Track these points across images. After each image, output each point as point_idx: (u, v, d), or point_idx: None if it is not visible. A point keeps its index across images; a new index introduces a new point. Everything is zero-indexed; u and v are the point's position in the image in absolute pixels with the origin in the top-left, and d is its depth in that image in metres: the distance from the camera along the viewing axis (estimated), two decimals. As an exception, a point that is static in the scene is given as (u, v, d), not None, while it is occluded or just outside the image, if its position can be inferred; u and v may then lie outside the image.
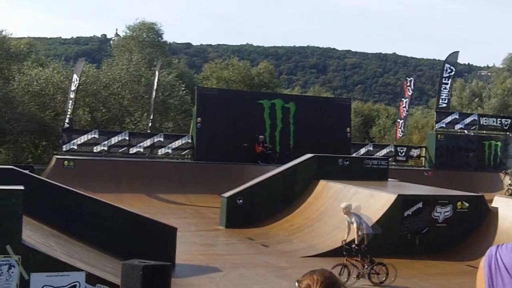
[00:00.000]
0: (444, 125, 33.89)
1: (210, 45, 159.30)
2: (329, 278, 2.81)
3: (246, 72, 49.00)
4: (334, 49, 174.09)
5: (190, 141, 29.41)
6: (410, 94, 34.69)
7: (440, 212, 17.99)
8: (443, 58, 34.87)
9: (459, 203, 18.36)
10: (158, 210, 21.59)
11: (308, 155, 22.77)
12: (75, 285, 9.93)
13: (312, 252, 16.74)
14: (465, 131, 34.47)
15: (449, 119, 34.05)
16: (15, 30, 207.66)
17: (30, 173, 15.60)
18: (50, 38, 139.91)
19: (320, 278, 2.79)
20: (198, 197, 25.05)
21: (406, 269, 15.59)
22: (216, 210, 21.52)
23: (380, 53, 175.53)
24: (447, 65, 33.91)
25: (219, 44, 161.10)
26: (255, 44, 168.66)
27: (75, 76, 29.35)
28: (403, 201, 17.77)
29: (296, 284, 2.87)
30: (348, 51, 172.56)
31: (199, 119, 28.58)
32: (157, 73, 31.69)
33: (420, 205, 17.85)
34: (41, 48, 59.85)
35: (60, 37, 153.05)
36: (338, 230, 17.73)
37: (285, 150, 29.18)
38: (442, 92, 33.95)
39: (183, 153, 29.77)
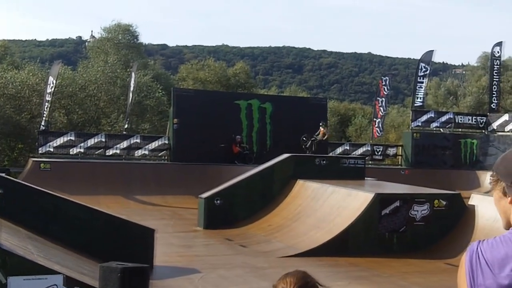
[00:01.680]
0: (420, 124, 34.15)
1: (186, 46, 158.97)
2: (302, 278, 2.82)
3: (222, 72, 48.96)
4: (309, 49, 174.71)
5: (167, 142, 29.33)
6: (386, 93, 34.89)
7: (418, 211, 18.13)
8: (418, 57, 35.23)
9: (436, 201, 18.50)
10: (135, 211, 21.51)
11: (285, 155, 22.82)
12: (53, 288, 9.86)
13: (290, 252, 16.77)
14: (441, 130, 34.75)
15: (425, 117, 34.32)
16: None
17: (6, 176, 15.43)
18: (25, 41, 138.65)
19: (293, 279, 2.80)
20: (175, 198, 24.98)
21: (384, 268, 15.70)
22: (194, 211, 21.49)
23: (355, 53, 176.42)
24: (422, 64, 34.18)
25: (195, 45, 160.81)
26: (231, 45, 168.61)
27: (51, 78, 29.13)
28: (380, 200, 17.87)
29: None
30: (324, 51, 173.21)
31: (175, 120, 28.51)
32: (133, 74, 31.56)
33: (397, 203, 17.97)
34: (16, 50, 59.27)
35: (35, 39, 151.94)
36: (316, 229, 17.82)
37: (262, 150, 29.22)
38: (417, 91, 34.22)
39: (160, 154, 29.68)
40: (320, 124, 27.97)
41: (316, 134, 27.65)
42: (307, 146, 27.43)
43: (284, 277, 2.83)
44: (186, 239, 18.93)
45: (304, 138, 27.79)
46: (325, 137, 27.92)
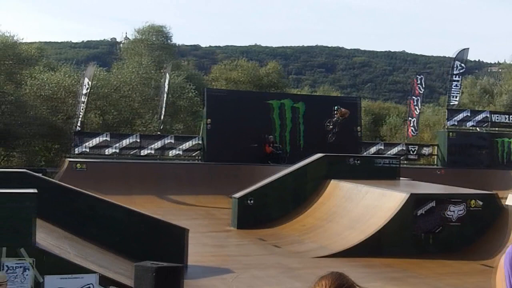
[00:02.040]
0: (455, 123, 33.77)
1: (219, 46, 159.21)
2: (337, 280, 2.78)
3: (255, 72, 48.98)
4: (342, 48, 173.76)
5: (200, 142, 29.47)
6: (420, 92, 34.58)
7: (453, 211, 17.91)
8: (452, 55, 34.71)
9: (472, 201, 18.26)
10: (169, 211, 21.64)
11: (319, 155, 22.74)
12: (89, 287, 9.98)
13: (324, 252, 16.70)
14: (477, 129, 34.33)
15: (460, 116, 33.93)
16: (25, 35, 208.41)
17: (43, 176, 15.64)
18: (61, 42, 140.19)
19: (329, 282, 2.77)
20: (208, 198, 25.07)
21: (419, 269, 15.55)
22: (227, 211, 21.54)
23: (389, 51, 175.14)
24: (457, 62, 33.79)
25: (227, 45, 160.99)
26: (263, 45, 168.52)
27: (86, 79, 29.49)
28: (415, 200, 17.69)
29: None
30: (357, 50, 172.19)
31: (208, 120, 28.63)
32: (167, 75, 31.75)
33: (432, 203, 17.78)
34: (52, 52, 60.09)
35: (70, 41, 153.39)
36: (350, 230, 17.73)
37: (295, 150, 29.16)
38: (452, 89, 33.85)
39: (193, 154, 29.82)
40: (335, 108, 28.18)
41: (335, 119, 27.85)
42: (330, 128, 27.74)
43: (321, 280, 2.80)
44: (219, 239, 18.98)
45: (327, 124, 27.96)
46: (346, 115, 28.33)
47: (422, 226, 17.56)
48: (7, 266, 9.44)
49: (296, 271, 14.73)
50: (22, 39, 36.74)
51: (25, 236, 9.61)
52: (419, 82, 34.61)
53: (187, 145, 29.52)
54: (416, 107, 34.54)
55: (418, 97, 34.54)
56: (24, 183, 11.62)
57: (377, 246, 16.90)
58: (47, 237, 11.37)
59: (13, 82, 34.54)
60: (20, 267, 9.53)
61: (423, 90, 35.08)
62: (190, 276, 13.50)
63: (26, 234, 9.61)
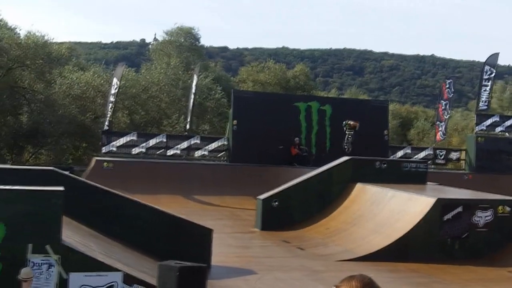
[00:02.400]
0: (484, 128, 33.39)
1: (246, 48, 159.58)
2: (368, 284, 2.69)
3: (282, 74, 48.99)
4: (370, 51, 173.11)
5: (226, 143, 29.53)
6: (449, 96, 34.28)
7: (481, 217, 17.71)
8: (482, 59, 34.39)
9: (500, 207, 18.04)
10: (194, 211, 21.69)
11: (345, 158, 22.64)
12: (113, 285, 10.05)
13: (348, 256, 16.62)
14: (506, 134, 33.92)
15: (489, 121, 33.55)
16: (56, 35, 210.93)
17: (70, 174, 15.80)
18: (91, 43, 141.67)
19: (359, 284, 2.66)
20: (233, 199, 25.10)
21: (445, 274, 15.40)
22: (252, 212, 21.55)
23: (418, 55, 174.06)
24: (487, 67, 33.44)
25: (255, 47, 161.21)
26: (291, 47, 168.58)
27: (115, 79, 29.72)
28: (442, 205, 17.52)
29: None
30: (385, 53, 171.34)
31: (235, 121, 28.67)
32: (195, 76, 31.87)
33: (460, 209, 17.60)
34: (82, 52, 60.60)
35: (100, 41, 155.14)
36: (375, 234, 17.62)
37: (321, 152, 29.06)
38: (482, 94, 33.48)
39: (219, 155, 29.89)
40: (344, 124, 27.92)
41: (349, 137, 27.83)
42: (348, 150, 27.38)
43: (349, 280, 2.69)
44: (243, 240, 18.99)
45: (345, 146, 27.67)
46: (357, 127, 27.81)
47: (449, 231, 17.39)
48: (33, 262, 9.55)
49: (319, 274, 14.68)
50: (53, 39, 37.15)
51: (51, 233, 9.71)
52: (448, 86, 34.31)
53: (213, 145, 29.60)
54: (445, 111, 34.24)
55: (447, 101, 34.23)
56: (51, 181, 11.75)
57: (403, 250, 16.77)
58: (73, 235, 11.47)
59: (43, 81, 34.95)
60: (46, 263, 9.63)
61: (452, 94, 34.77)
62: (214, 276, 13.52)
63: (52, 231, 9.71)
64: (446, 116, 34.43)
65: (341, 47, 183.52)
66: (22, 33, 35.83)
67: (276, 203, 20.90)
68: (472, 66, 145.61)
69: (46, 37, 35.03)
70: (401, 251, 16.72)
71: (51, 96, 34.02)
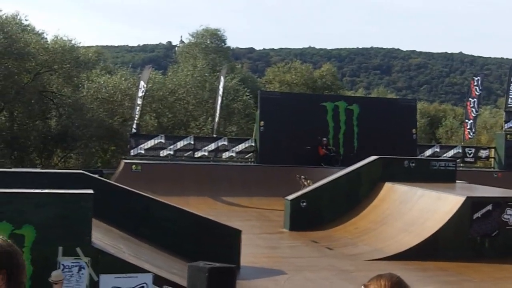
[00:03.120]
0: (513, 125, 33.01)
1: (273, 49, 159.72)
2: (397, 283, 2.68)
3: (309, 75, 48.95)
4: (398, 49, 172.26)
5: (253, 144, 29.57)
6: (478, 94, 33.95)
7: (511, 214, 17.54)
8: (511, 56, 33.98)
9: (530, 204, 17.83)
10: (222, 212, 21.77)
11: (373, 157, 22.55)
12: (143, 287, 10.13)
13: (378, 255, 16.56)
14: (536, 131, 33.48)
15: (518, 119, 33.15)
16: (84, 39, 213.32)
17: (99, 177, 15.96)
18: (118, 46, 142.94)
19: (388, 283, 2.65)
20: (261, 200, 25.13)
21: (475, 273, 15.28)
22: (280, 213, 21.55)
23: (446, 53, 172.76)
24: (515, 64, 33.06)
25: (282, 48, 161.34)
26: (317, 47, 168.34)
27: (142, 83, 29.93)
28: (472, 204, 17.38)
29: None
30: (413, 51, 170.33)
31: (262, 122, 28.70)
32: (222, 78, 31.97)
33: (489, 207, 17.45)
34: (109, 56, 61.18)
35: (127, 45, 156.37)
36: (404, 233, 17.53)
37: (349, 152, 28.97)
38: (510, 91, 33.11)
39: (246, 157, 29.95)
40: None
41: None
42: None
43: (378, 279, 2.68)
44: (272, 240, 19.01)
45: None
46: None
47: (478, 229, 17.24)
48: (63, 265, 9.67)
49: (349, 273, 14.65)
50: (80, 43, 37.59)
51: (82, 236, 9.83)
52: (476, 83, 33.98)
53: (240, 147, 29.65)
54: (473, 109, 33.92)
55: (475, 99, 33.92)
56: (81, 184, 11.88)
57: (432, 249, 16.67)
58: (103, 237, 11.59)
59: (71, 85, 35.35)
60: (76, 266, 9.75)
61: (480, 92, 34.43)
62: (243, 276, 13.57)
63: (82, 233, 9.83)
64: (475, 114, 34.09)
65: (368, 46, 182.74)
66: (49, 38, 36.31)
67: (304, 203, 20.90)
68: (500, 63, 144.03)
69: (73, 41, 35.45)
70: (430, 250, 16.63)
71: (79, 100, 34.39)
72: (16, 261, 2.52)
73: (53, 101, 34.57)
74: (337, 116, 29.68)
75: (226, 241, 14.46)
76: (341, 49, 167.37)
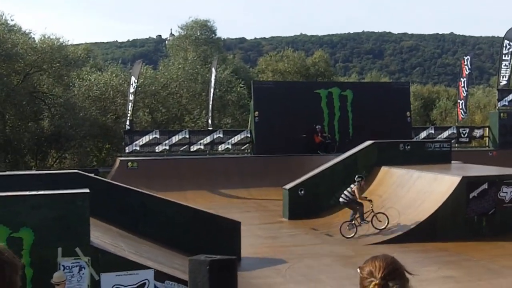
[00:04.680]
0: (506, 103, 33.04)
1: (264, 38, 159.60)
2: (391, 263, 2.75)
3: (301, 62, 48.91)
4: (389, 33, 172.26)
5: (249, 135, 29.58)
6: (467, 73, 33.99)
7: (506, 192, 17.61)
8: (502, 35, 33.95)
9: (525, 181, 17.90)
10: (221, 205, 21.81)
11: (368, 142, 22.58)
12: (145, 283, 10.15)
13: (377, 239, 16.64)
14: (529, 108, 33.55)
15: (511, 96, 33.20)
16: (72, 37, 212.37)
17: (95, 176, 15.96)
18: (107, 43, 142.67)
19: (382, 264, 2.73)
20: (259, 190, 25.16)
21: (473, 251, 15.35)
22: (279, 202, 21.59)
23: (437, 34, 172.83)
24: (506, 41, 33.05)
25: (273, 37, 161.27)
26: (309, 34, 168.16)
27: (133, 78, 29.87)
28: (467, 183, 17.45)
29: (358, 270, 2.84)
30: (404, 34, 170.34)
31: (256, 113, 28.70)
32: (213, 69, 31.92)
33: (485, 186, 17.51)
34: (99, 53, 61.08)
35: (116, 40, 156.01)
36: (402, 216, 17.59)
37: (344, 138, 29.02)
38: (502, 69, 33.13)
39: (242, 148, 29.96)
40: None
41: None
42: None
43: (373, 260, 2.76)
44: (272, 230, 19.05)
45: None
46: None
47: (475, 209, 17.31)
48: (63, 265, 9.67)
49: (349, 259, 14.71)
50: (68, 41, 37.39)
51: (80, 236, 9.82)
52: (466, 63, 34.01)
53: (236, 139, 29.67)
54: (464, 88, 33.97)
55: (465, 79, 33.95)
56: (77, 184, 11.88)
57: (431, 230, 16.74)
58: (102, 236, 11.60)
59: (61, 85, 35.14)
60: (76, 266, 9.75)
61: (470, 71, 34.45)
62: (245, 267, 13.61)
63: (80, 233, 9.83)
64: (465, 93, 34.14)
65: (359, 30, 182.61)
66: (37, 38, 35.96)
67: (303, 191, 20.93)
68: (492, 42, 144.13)
69: (61, 40, 35.18)
70: (429, 231, 16.70)
71: (70, 99, 34.24)
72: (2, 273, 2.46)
73: (45, 102, 34.39)
74: (331, 103, 29.70)
75: (226, 233, 14.49)
76: (332, 35, 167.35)
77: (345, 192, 17.68)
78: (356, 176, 17.86)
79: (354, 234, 17.08)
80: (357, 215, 17.48)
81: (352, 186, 17.56)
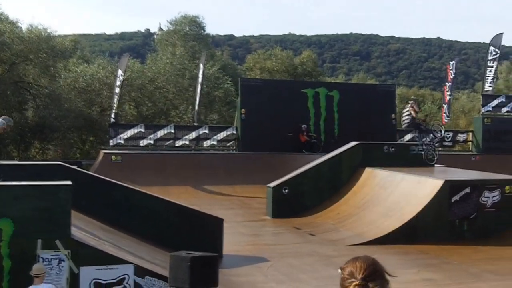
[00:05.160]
0: (490, 109, 33.25)
1: (253, 36, 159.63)
2: (372, 265, 2.77)
3: (289, 61, 48.91)
4: (377, 35, 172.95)
5: (235, 132, 29.54)
6: (452, 77, 34.17)
7: (488, 197, 17.71)
8: (488, 41, 34.16)
9: (507, 187, 18.02)
10: (204, 201, 21.76)
11: (353, 143, 22.63)
12: (124, 278, 10.09)
13: (359, 240, 16.66)
14: (512, 114, 33.76)
15: (495, 102, 33.40)
16: (60, 28, 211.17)
17: (78, 168, 15.85)
18: (95, 35, 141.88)
19: (363, 265, 2.75)
20: (244, 187, 25.14)
21: (454, 255, 15.42)
22: (262, 200, 21.58)
23: (424, 38, 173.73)
24: (491, 48, 33.24)
25: (262, 35, 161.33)
26: (297, 34, 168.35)
27: (119, 71, 29.73)
28: (450, 187, 17.53)
29: (339, 271, 2.85)
30: (392, 37, 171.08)
31: (243, 110, 28.67)
32: (201, 65, 31.84)
33: (467, 190, 17.60)
34: (86, 45, 60.64)
35: (105, 33, 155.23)
36: (385, 217, 17.64)
37: (330, 138, 29.08)
38: (487, 75, 33.32)
39: (228, 145, 29.91)
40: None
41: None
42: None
43: (354, 261, 2.79)
44: (255, 228, 19.04)
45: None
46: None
47: (457, 212, 17.40)
48: (42, 258, 9.58)
49: (331, 259, 14.71)
50: (56, 31, 37.08)
51: (61, 228, 9.73)
52: (451, 67, 34.18)
53: (222, 135, 29.60)
54: (448, 93, 34.16)
55: (451, 83, 34.13)
56: (59, 176, 11.78)
57: (412, 233, 16.81)
58: (83, 229, 11.52)
59: (47, 75, 34.83)
60: (56, 259, 9.66)
61: (455, 75, 34.61)
62: (226, 265, 13.59)
63: (61, 226, 9.74)
64: (449, 97, 34.32)
65: (348, 32, 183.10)
66: (24, 27, 35.59)
67: (287, 190, 20.93)
68: (478, 47, 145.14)
69: (49, 30, 34.85)
70: (410, 233, 16.76)
71: (56, 90, 33.96)
72: None
73: (30, 92, 34.08)
74: (318, 103, 29.73)
75: (209, 230, 14.45)
76: (321, 35, 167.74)
77: (403, 117, 19.59)
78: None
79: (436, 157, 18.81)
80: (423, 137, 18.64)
81: (406, 109, 18.64)
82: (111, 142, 28.13)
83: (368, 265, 2.76)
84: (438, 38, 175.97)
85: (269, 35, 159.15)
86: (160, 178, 24.67)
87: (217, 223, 14.71)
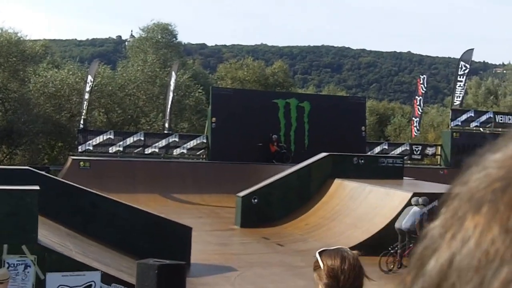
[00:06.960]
0: (459, 123, 33.67)
1: (225, 45, 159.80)
2: (356, 260, 2.70)
3: (261, 72, 48.96)
4: (348, 48, 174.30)
5: (205, 141, 29.46)
6: (423, 92, 34.54)
7: (456, 210, 17.89)
8: (458, 56, 34.65)
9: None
10: (173, 210, 21.63)
11: (323, 154, 22.73)
12: (91, 285, 9.98)
13: (327, 251, 16.67)
14: (481, 129, 34.20)
15: (464, 117, 33.84)
16: (30, 32, 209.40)
17: (46, 174, 15.67)
18: (66, 40, 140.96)
19: (352, 260, 2.65)
20: (213, 197, 25.07)
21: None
22: (231, 209, 21.54)
23: (395, 52, 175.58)
24: (462, 63, 33.68)
25: (234, 45, 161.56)
26: (269, 44, 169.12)
27: (89, 77, 29.51)
28: (418, 200, 17.65)
29: (317, 255, 2.74)
30: (363, 50, 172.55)
31: (214, 119, 28.62)
32: (173, 73, 31.72)
33: (435, 203, 17.75)
34: (57, 50, 60.13)
35: (76, 38, 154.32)
36: (353, 228, 17.72)
37: (300, 149, 29.12)
38: (457, 90, 33.75)
39: (198, 153, 29.82)
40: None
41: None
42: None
43: (336, 254, 2.66)
44: (223, 237, 18.99)
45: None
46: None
47: (425, 225, 17.51)
48: (8, 263, 9.43)
49: (299, 269, 14.72)
50: (27, 36, 36.70)
51: (27, 233, 9.60)
52: (422, 82, 34.57)
53: (191, 143, 29.52)
54: (419, 107, 34.51)
55: (421, 97, 34.50)
56: (27, 181, 11.63)
57: (381, 244, 16.87)
58: (50, 235, 11.38)
59: (17, 80, 34.48)
60: (22, 264, 9.52)
61: (426, 90, 35.02)
62: (194, 274, 13.51)
63: (28, 231, 9.61)
64: (420, 111, 34.68)
65: (319, 44, 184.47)
66: (-6, 31, 35.27)
67: (256, 200, 20.93)
68: (448, 62, 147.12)
69: (19, 34, 34.54)
70: (379, 244, 16.82)
71: (25, 94, 33.61)
72: None
73: (-2, 96, 33.71)
74: (289, 113, 29.81)
75: (177, 238, 14.37)
76: (292, 46, 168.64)
77: (409, 220, 15.99)
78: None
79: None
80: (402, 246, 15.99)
81: (416, 217, 16.02)
82: (80, 148, 27.89)
83: (355, 259, 2.67)
84: (409, 52, 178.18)
85: (241, 45, 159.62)
86: (129, 186, 24.48)
87: (186, 231, 14.64)
